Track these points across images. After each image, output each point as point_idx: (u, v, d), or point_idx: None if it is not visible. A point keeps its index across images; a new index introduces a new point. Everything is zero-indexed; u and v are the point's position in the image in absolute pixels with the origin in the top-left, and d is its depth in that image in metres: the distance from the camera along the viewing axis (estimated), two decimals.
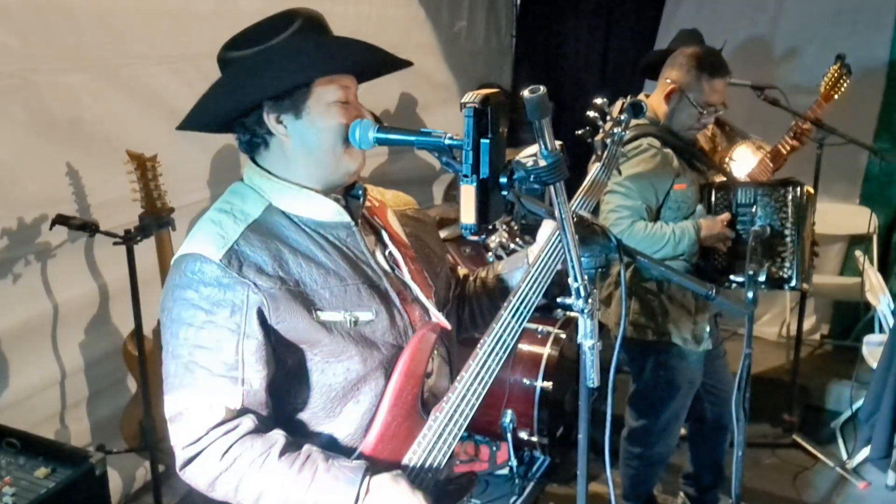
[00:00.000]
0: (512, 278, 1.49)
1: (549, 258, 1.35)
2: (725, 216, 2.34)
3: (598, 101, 1.62)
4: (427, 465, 1.22)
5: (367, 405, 1.23)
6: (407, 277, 1.32)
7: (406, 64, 1.27)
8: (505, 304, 1.29)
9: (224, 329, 1.14)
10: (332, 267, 1.22)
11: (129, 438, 2.55)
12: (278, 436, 1.16)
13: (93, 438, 2.63)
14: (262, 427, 1.17)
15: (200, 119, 1.25)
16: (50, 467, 1.83)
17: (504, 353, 1.26)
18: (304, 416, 1.23)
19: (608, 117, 1.63)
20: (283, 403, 1.22)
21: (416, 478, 1.21)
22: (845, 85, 2.83)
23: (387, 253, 1.33)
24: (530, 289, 1.31)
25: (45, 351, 2.46)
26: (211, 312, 1.14)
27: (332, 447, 1.21)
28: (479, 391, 1.24)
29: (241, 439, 1.14)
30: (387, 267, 1.30)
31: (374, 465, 1.18)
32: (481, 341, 1.26)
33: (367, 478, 1.14)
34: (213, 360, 1.14)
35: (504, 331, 1.27)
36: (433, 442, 1.22)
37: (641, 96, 2.47)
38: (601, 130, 1.61)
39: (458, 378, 1.24)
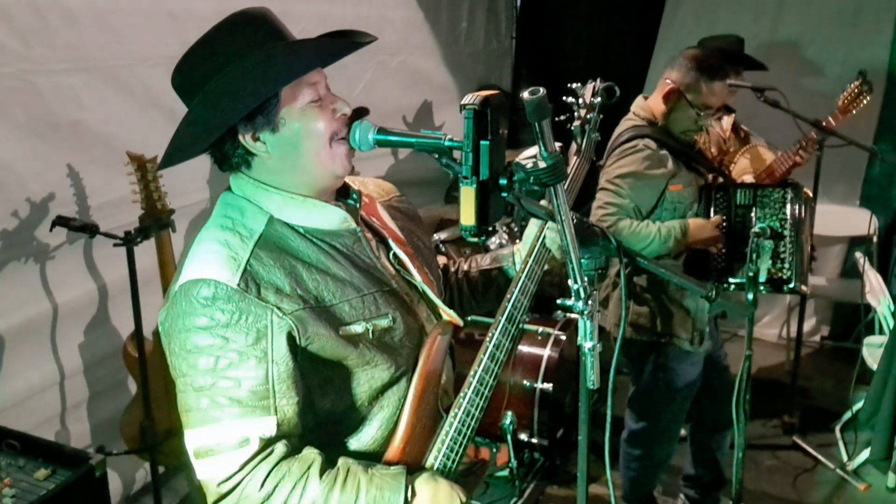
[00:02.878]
0: (498, 273, 1.51)
1: (537, 260, 1.37)
2: (717, 218, 2.34)
3: (573, 85, 1.62)
4: (451, 460, 1.24)
5: (391, 410, 1.23)
6: (416, 278, 1.30)
7: (370, 38, 1.21)
8: (506, 297, 1.31)
9: (250, 357, 1.09)
10: (346, 278, 1.19)
11: (129, 440, 2.54)
12: (314, 455, 1.13)
13: (93, 440, 2.63)
14: (295, 448, 1.13)
15: (176, 157, 1.18)
16: (50, 469, 1.83)
17: (510, 343, 1.29)
18: (330, 426, 1.21)
19: (581, 101, 1.62)
20: (309, 417, 1.19)
21: (443, 474, 1.22)
22: (865, 101, 2.82)
23: (391, 255, 1.30)
24: (527, 279, 1.34)
25: (45, 352, 2.46)
26: (232, 340, 1.08)
27: (360, 455, 1.21)
28: (491, 383, 1.26)
29: (277, 465, 1.10)
30: (392, 270, 1.28)
31: (407, 468, 1.19)
32: (488, 335, 1.28)
33: (410, 480, 1.15)
34: (241, 390, 1.09)
35: (508, 322, 1.29)
36: (454, 437, 1.23)
37: (640, 98, 2.47)
38: (577, 116, 1.61)
39: (471, 373, 1.25)
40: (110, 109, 2.50)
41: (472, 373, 1.25)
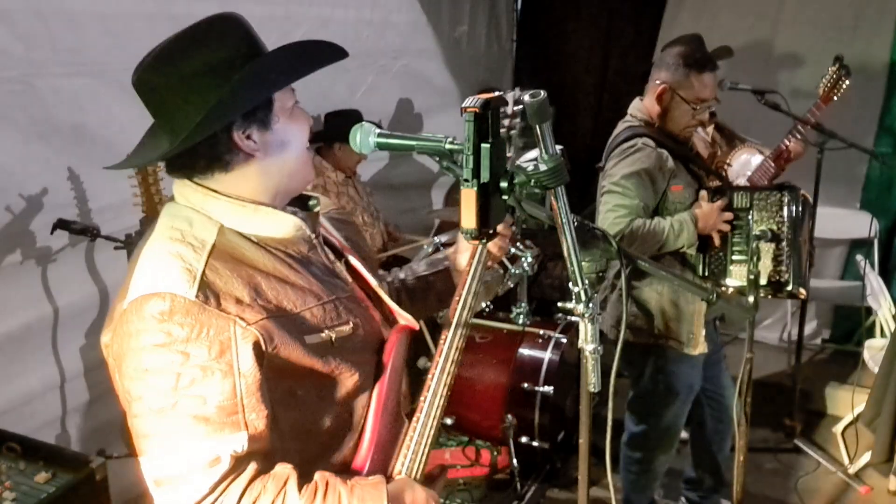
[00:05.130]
0: (433, 279, 1.51)
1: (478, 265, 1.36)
2: (721, 202, 2.34)
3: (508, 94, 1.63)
4: (416, 464, 1.23)
5: (356, 418, 1.21)
6: (373, 283, 1.31)
7: (344, 54, 1.20)
8: (455, 299, 1.31)
9: (215, 371, 1.02)
10: (305, 286, 1.15)
11: (130, 443, 2.54)
12: (287, 470, 1.08)
13: (94, 443, 2.62)
14: (265, 466, 1.08)
15: (171, 151, 1.10)
16: (50, 472, 1.82)
17: (462, 344, 1.28)
18: (294, 441, 1.16)
19: (503, 112, 1.63)
20: (273, 433, 1.13)
21: (410, 478, 1.22)
22: (844, 86, 2.83)
23: (342, 262, 1.29)
24: (474, 281, 1.33)
25: (45, 355, 2.46)
26: (194, 355, 1.02)
27: (328, 467, 1.17)
28: (449, 382, 1.25)
29: (250, 484, 1.04)
30: (347, 276, 1.28)
31: (374, 475, 1.19)
32: (442, 337, 1.28)
33: (388, 489, 1.14)
34: (207, 407, 1.02)
35: (460, 326, 1.28)
36: (417, 441, 1.23)
37: (636, 100, 2.47)
38: (502, 126, 1.62)
39: (430, 376, 1.25)
40: (112, 113, 2.50)
41: (430, 376, 1.25)
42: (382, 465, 1.22)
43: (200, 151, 1.11)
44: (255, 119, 1.12)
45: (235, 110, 1.09)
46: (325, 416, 1.18)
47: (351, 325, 1.19)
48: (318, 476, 1.11)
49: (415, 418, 1.23)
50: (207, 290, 1.04)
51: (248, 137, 1.12)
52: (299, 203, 1.26)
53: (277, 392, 1.11)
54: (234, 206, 1.14)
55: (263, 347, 1.06)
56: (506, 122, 1.60)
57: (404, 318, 1.31)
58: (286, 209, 1.20)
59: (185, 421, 1.02)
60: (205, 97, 1.09)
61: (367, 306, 1.27)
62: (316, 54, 1.19)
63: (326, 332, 1.14)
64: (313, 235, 1.22)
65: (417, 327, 1.32)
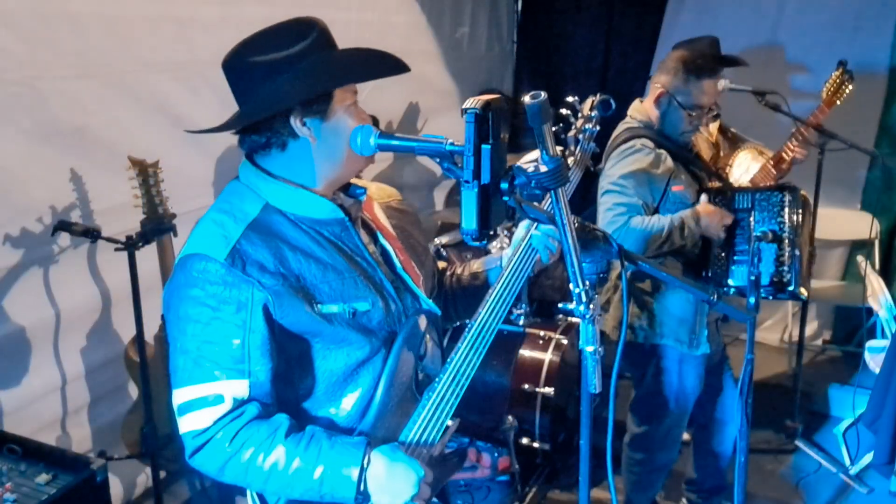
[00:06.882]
0: (487, 276, 1.60)
1: (522, 259, 1.46)
2: (723, 210, 2.34)
3: (570, 98, 1.69)
4: (422, 441, 1.30)
5: (365, 388, 1.31)
6: (399, 268, 1.39)
7: (406, 69, 1.31)
8: (490, 290, 1.39)
9: (231, 325, 1.21)
10: (329, 261, 1.28)
11: (130, 444, 2.54)
12: (283, 418, 1.24)
13: (94, 445, 2.63)
14: (267, 413, 1.24)
15: (234, 123, 1.29)
16: (51, 473, 1.83)
17: (489, 335, 1.35)
18: (306, 401, 1.31)
19: (579, 114, 1.70)
20: (287, 390, 1.29)
21: (413, 453, 1.29)
22: (847, 90, 2.83)
23: (377, 246, 1.40)
24: (512, 277, 1.43)
25: (46, 357, 2.46)
26: (217, 309, 1.21)
27: (333, 429, 1.29)
28: (469, 372, 1.33)
29: (247, 424, 1.21)
30: (380, 258, 1.38)
31: (374, 442, 1.27)
32: (469, 325, 1.34)
33: (369, 450, 1.23)
34: (220, 354, 1.21)
35: (490, 315, 1.36)
36: (427, 420, 1.30)
37: (636, 101, 2.48)
38: (573, 127, 1.69)
39: (449, 360, 1.32)
40: (115, 115, 2.51)
41: (449, 360, 1.32)
42: (388, 436, 1.30)
43: (261, 129, 1.28)
44: (313, 109, 1.26)
45: (294, 98, 1.23)
46: (335, 381, 1.30)
47: (369, 301, 1.30)
48: (308, 428, 1.25)
49: (425, 397, 1.31)
50: (236, 256, 1.22)
51: (304, 124, 1.26)
52: (347, 190, 1.39)
53: (292, 353, 1.27)
54: (280, 187, 1.30)
55: (272, 309, 1.23)
56: (578, 123, 1.68)
57: (427, 304, 1.40)
58: (328, 195, 1.33)
59: (202, 363, 1.21)
60: (272, 85, 1.23)
61: (396, 288, 1.36)
62: (379, 63, 1.32)
63: (341, 304, 1.27)
64: (347, 219, 1.33)
65: (439, 312, 1.42)
